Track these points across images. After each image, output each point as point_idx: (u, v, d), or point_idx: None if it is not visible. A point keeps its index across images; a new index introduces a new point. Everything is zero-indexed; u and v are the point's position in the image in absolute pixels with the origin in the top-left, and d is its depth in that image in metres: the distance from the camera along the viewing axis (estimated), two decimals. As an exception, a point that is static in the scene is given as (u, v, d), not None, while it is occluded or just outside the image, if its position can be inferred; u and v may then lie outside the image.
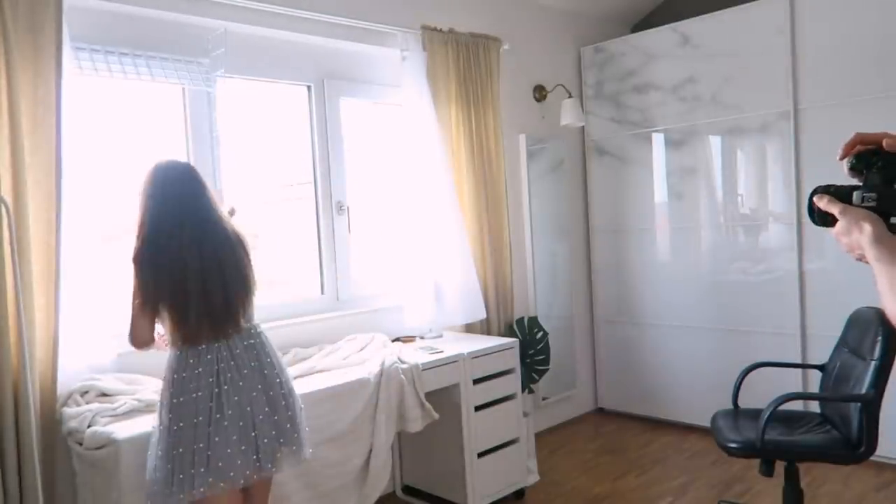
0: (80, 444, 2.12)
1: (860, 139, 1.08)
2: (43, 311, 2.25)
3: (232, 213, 2.68)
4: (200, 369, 1.93)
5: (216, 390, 1.92)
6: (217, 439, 1.88)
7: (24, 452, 2.14)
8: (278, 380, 2.04)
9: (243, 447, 1.91)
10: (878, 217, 1.01)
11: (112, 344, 2.44)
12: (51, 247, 2.26)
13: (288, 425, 2.01)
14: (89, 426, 2.13)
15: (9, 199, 2.15)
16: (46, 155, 2.26)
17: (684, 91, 4.01)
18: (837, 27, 3.42)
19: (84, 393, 2.34)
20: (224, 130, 2.96)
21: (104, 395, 2.35)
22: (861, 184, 1.05)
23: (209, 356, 1.94)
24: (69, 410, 2.24)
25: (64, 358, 2.31)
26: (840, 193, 1.06)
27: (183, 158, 2.16)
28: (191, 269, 1.94)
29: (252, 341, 2.04)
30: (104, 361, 2.44)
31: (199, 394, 1.90)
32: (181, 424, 1.89)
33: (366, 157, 3.53)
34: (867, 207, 1.02)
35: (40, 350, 2.24)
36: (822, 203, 1.06)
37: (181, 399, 1.91)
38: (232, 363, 1.96)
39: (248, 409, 1.94)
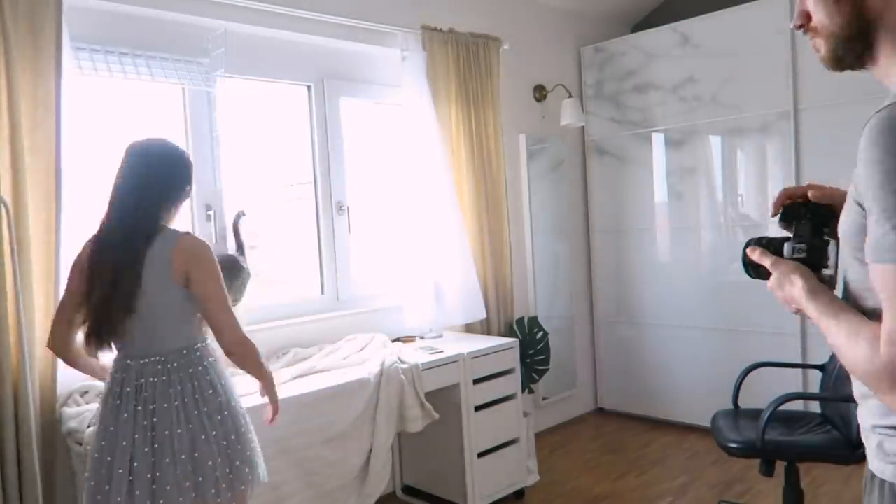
0: (80, 444, 2.12)
1: (788, 194, 1.12)
2: (43, 311, 2.25)
3: (240, 215, 2.68)
4: None
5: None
6: None
7: (24, 452, 2.14)
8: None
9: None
10: (808, 270, 1.01)
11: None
12: (51, 247, 2.26)
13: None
14: (89, 426, 2.13)
15: (9, 199, 2.15)
16: (46, 155, 2.26)
17: (684, 91, 4.01)
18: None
19: (84, 393, 2.34)
20: (224, 130, 2.96)
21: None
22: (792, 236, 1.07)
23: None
24: (69, 410, 2.24)
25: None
26: (773, 245, 1.08)
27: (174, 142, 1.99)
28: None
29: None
30: (104, 361, 2.44)
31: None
32: None
33: (366, 157, 3.53)
34: (797, 259, 1.03)
35: (40, 350, 2.24)
36: (755, 256, 1.08)
37: None
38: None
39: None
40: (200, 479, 1.78)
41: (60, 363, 2.28)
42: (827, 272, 1.03)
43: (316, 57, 3.26)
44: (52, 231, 2.27)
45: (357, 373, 2.67)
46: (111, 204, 1.89)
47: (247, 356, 1.91)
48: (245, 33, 2.96)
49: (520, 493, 3.25)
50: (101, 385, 2.35)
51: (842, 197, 1.04)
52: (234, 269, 2.60)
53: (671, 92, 4.07)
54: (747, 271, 1.11)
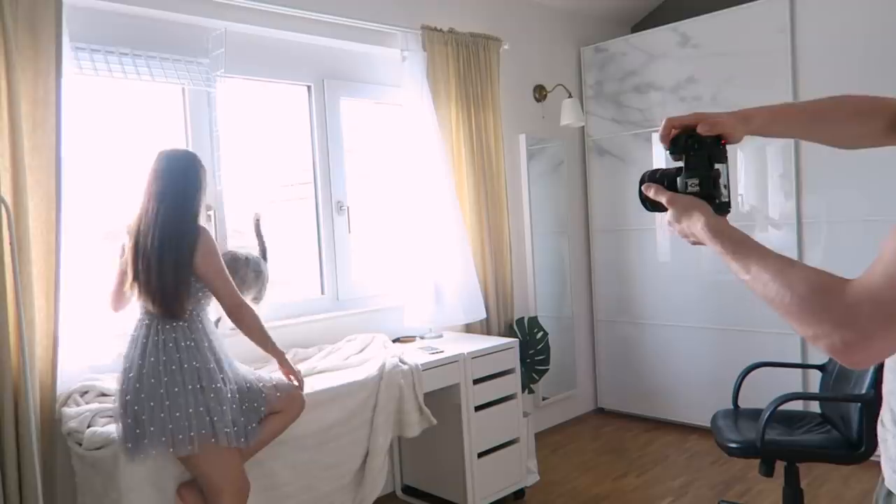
0: (80, 445, 2.12)
1: (673, 124, 1.07)
2: (43, 311, 2.25)
3: (258, 218, 2.77)
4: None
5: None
6: None
7: (24, 452, 2.14)
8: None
9: None
10: (704, 202, 1.01)
11: (112, 344, 2.44)
12: (51, 247, 2.26)
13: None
14: (89, 426, 2.14)
15: (9, 199, 2.15)
16: (46, 155, 2.26)
17: (684, 91, 4.01)
18: (838, 27, 3.42)
19: (84, 393, 2.34)
20: (224, 130, 2.96)
21: (104, 395, 2.35)
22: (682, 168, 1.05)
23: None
24: (69, 410, 2.24)
25: (64, 358, 2.31)
26: (667, 178, 1.06)
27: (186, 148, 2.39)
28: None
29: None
30: (104, 361, 2.44)
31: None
32: None
33: (366, 157, 3.53)
34: (692, 193, 1.03)
35: (40, 350, 2.24)
36: (650, 193, 1.06)
37: None
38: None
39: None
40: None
41: (60, 363, 2.29)
42: (722, 199, 1.03)
43: (316, 57, 3.26)
44: (52, 231, 2.27)
45: (357, 374, 2.66)
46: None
47: None
48: (245, 33, 2.96)
49: (520, 493, 3.25)
50: (100, 385, 2.36)
51: (731, 126, 1.06)
52: (258, 271, 2.75)
53: (671, 92, 4.07)
54: (644, 205, 1.10)
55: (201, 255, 2.15)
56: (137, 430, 2.00)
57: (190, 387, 2.06)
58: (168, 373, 2.06)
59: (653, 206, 1.09)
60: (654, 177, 1.08)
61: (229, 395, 2.13)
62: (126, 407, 2.03)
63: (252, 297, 2.75)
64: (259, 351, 2.32)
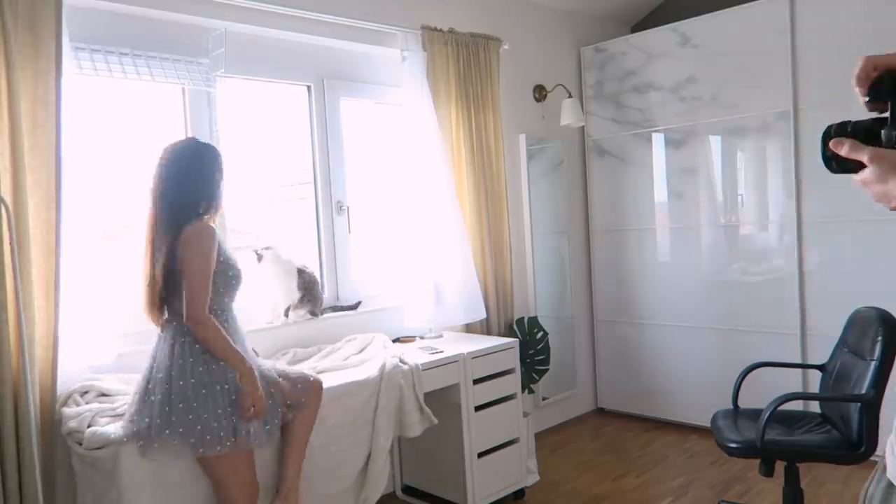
0: (80, 444, 2.12)
1: (875, 62, 0.90)
2: (43, 311, 2.24)
3: (262, 252, 2.85)
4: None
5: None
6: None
7: (24, 452, 2.14)
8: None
9: None
10: None
11: (112, 344, 2.44)
12: (51, 247, 2.26)
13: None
14: (89, 426, 2.13)
15: (9, 199, 2.15)
16: (46, 155, 2.26)
17: (684, 91, 4.01)
18: (838, 27, 3.42)
19: (84, 393, 2.34)
20: (224, 130, 2.96)
21: (104, 395, 2.35)
22: (885, 115, 0.87)
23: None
24: (69, 410, 2.24)
25: (64, 358, 2.31)
26: (861, 131, 0.88)
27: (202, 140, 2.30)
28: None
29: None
30: (104, 361, 2.44)
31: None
32: None
33: (366, 157, 3.53)
34: None
35: (40, 350, 2.24)
36: (843, 150, 0.88)
37: None
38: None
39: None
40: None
41: (60, 363, 2.29)
42: None
43: (316, 57, 3.26)
44: (52, 231, 2.26)
45: (357, 374, 2.66)
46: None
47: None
48: (245, 33, 2.96)
49: (520, 493, 3.25)
50: (100, 385, 2.36)
51: None
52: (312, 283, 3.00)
53: (671, 92, 4.07)
54: (828, 166, 0.91)
55: (181, 248, 2.06)
56: (167, 431, 1.99)
57: (218, 388, 2.06)
58: (195, 374, 2.05)
59: (840, 165, 0.91)
60: (845, 130, 0.90)
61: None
62: (152, 407, 2.02)
63: (308, 310, 2.95)
64: (271, 347, 2.32)
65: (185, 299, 2.06)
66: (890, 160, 0.85)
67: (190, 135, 2.86)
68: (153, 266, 2.10)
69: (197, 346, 2.08)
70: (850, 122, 0.89)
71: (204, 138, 2.88)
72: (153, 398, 2.03)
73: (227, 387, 2.07)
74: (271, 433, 2.17)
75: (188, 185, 2.13)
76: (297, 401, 2.28)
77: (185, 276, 2.06)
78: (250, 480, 2.16)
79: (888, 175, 0.84)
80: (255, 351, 2.33)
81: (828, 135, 0.90)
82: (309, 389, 2.32)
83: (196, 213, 2.14)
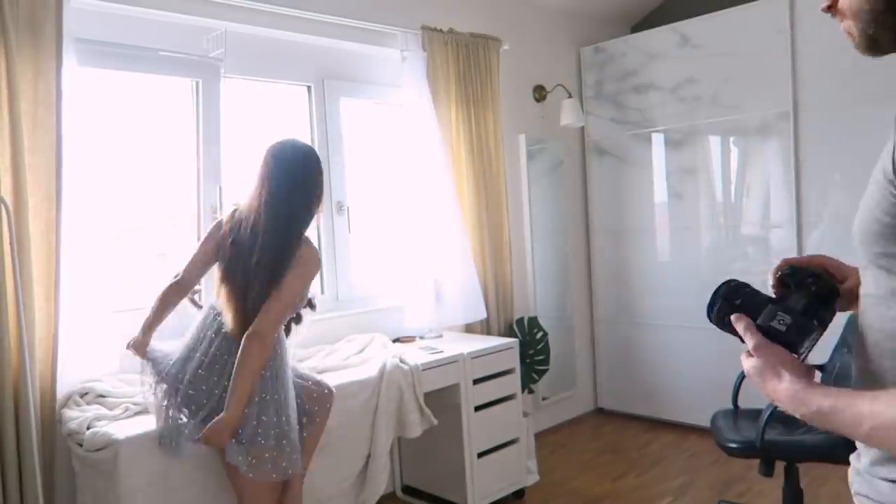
0: (80, 446, 2.12)
1: (787, 261, 1.02)
2: (43, 311, 2.24)
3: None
4: None
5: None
6: None
7: (25, 453, 2.14)
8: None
9: None
10: (795, 361, 0.89)
11: (113, 345, 2.44)
12: (51, 247, 2.26)
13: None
14: (89, 427, 2.13)
15: (9, 199, 2.15)
16: (46, 155, 2.26)
17: (684, 91, 4.01)
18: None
19: (84, 394, 2.34)
20: (224, 130, 2.95)
21: (104, 396, 2.34)
22: (778, 300, 0.95)
23: None
24: (69, 412, 2.24)
25: (64, 358, 2.31)
26: (751, 301, 0.95)
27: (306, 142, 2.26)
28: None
29: None
30: (105, 362, 2.44)
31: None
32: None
33: (366, 157, 3.53)
34: (775, 329, 0.91)
35: (40, 350, 2.24)
36: (740, 327, 0.95)
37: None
38: None
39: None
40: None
41: (60, 364, 2.29)
42: (801, 356, 0.92)
43: (316, 57, 3.26)
44: (52, 231, 2.26)
45: (357, 375, 2.66)
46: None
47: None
48: (245, 33, 2.96)
49: (520, 493, 3.25)
50: (100, 386, 2.36)
51: (853, 277, 0.93)
52: None
53: (671, 92, 4.07)
54: (710, 317, 0.98)
55: (291, 263, 1.99)
56: (261, 441, 1.95)
57: (292, 403, 2.07)
58: (267, 388, 2.02)
59: (721, 323, 0.98)
60: (735, 300, 0.96)
61: (293, 421, 2.09)
62: (260, 409, 1.98)
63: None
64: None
65: (267, 312, 1.96)
66: (775, 358, 0.89)
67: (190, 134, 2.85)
68: (239, 264, 2.01)
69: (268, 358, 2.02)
70: (750, 288, 0.97)
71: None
72: (257, 399, 1.97)
73: (292, 404, 2.07)
74: (299, 460, 2.10)
75: (300, 199, 2.05)
76: (316, 413, 2.29)
77: (280, 291, 1.97)
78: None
79: (766, 373, 0.89)
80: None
81: (719, 292, 0.98)
82: (324, 401, 2.31)
83: (301, 230, 2.07)
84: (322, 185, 2.12)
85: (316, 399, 2.29)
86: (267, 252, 1.99)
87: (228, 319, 2.02)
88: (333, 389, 2.36)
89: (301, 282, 2.02)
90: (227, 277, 2.05)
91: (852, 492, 0.94)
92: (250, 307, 1.99)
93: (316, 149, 3.22)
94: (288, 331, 2.18)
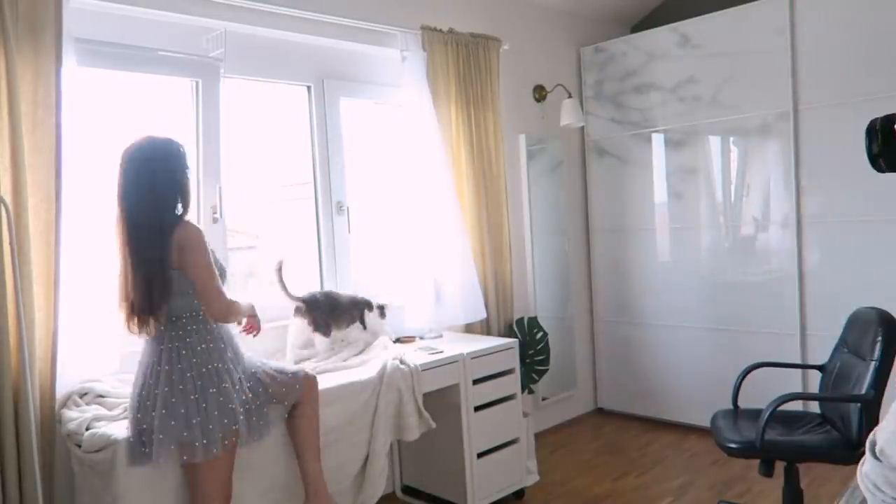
0: (79, 446, 2.12)
1: None
2: (43, 311, 2.24)
3: (281, 264, 2.84)
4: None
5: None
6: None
7: (24, 453, 2.14)
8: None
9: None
10: None
11: (113, 345, 2.44)
12: (50, 247, 2.26)
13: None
14: (88, 428, 2.13)
15: (9, 199, 2.15)
16: (46, 155, 2.26)
17: (684, 91, 4.01)
18: (837, 27, 3.42)
19: (83, 395, 2.34)
20: (224, 130, 2.95)
21: (103, 396, 2.34)
22: None
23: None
24: (68, 412, 2.23)
25: (64, 358, 2.31)
26: None
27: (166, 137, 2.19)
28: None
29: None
30: (105, 362, 2.44)
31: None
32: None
33: (366, 157, 3.53)
34: None
35: (40, 350, 2.24)
36: None
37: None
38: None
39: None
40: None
41: (60, 364, 2.29)
42: None
43: (316, 57, 3.26)
44: (52, 231, 2.26)
45: (358, 375, 2.66)
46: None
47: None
48: (245, 33, 2.96)
49: (520, 494, 3.25)
50: (99, 387, 2.36)
51: None
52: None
53: (671, 92, 4.07)
54: (874, 164, 0.89)
55: (178, 251, 2.03)
56: (143, 449, 1.99)
57: (212, 390, 2.04)
58: (183, 380, 2.02)
59: (889, 164, 0.89)
60: (892, 122, 0.89)
61: (244, 396, 2.11)
62: (145, 413, 2.01)
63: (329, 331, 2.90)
64: (271, 347, 2.33)
65: (205, 295, 2.08)
66: None
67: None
68: (136, 273, 2.04)
69: (184, 351, 2.05)
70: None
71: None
72: (138, 415, 2.02)
73: (213, 391, 2.04)
74: (256, 431, 2.14)
75: (161, 187, 2.06)
76: (285, 397, 2.27)
77: (196, 275, 2.06)
78: (227, 482, 2.13)
79: None
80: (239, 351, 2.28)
81: (872, 129, 0.88)
82: (302, 387, 2.30)
83: (174, 214, 2.08)
84: (182, 168, 2.12)
85: (281, 384, 2.25)
86: (145, 252, 2.04)
87: (127, 317, 2.08)
88: (310, 374, 2.38)
89: (202, 254, 2.08)
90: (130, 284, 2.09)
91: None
92: (143, 297, 2.04)
93: (316, 149, 3.27)
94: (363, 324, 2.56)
